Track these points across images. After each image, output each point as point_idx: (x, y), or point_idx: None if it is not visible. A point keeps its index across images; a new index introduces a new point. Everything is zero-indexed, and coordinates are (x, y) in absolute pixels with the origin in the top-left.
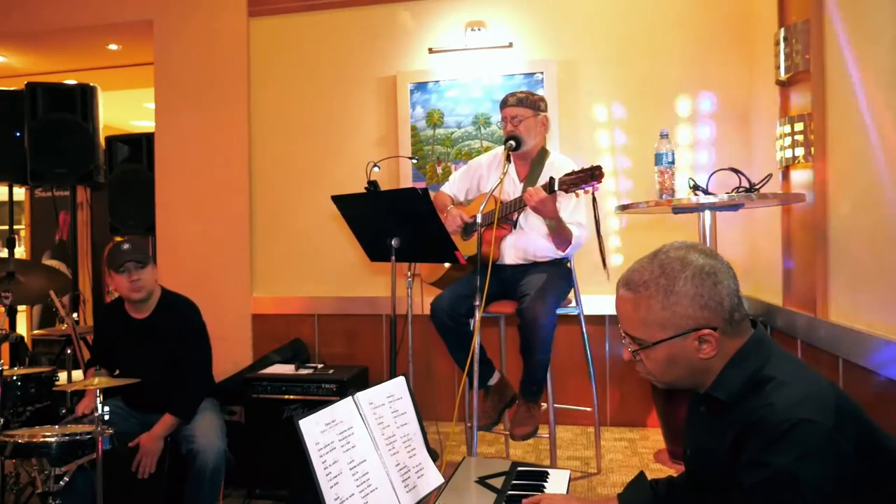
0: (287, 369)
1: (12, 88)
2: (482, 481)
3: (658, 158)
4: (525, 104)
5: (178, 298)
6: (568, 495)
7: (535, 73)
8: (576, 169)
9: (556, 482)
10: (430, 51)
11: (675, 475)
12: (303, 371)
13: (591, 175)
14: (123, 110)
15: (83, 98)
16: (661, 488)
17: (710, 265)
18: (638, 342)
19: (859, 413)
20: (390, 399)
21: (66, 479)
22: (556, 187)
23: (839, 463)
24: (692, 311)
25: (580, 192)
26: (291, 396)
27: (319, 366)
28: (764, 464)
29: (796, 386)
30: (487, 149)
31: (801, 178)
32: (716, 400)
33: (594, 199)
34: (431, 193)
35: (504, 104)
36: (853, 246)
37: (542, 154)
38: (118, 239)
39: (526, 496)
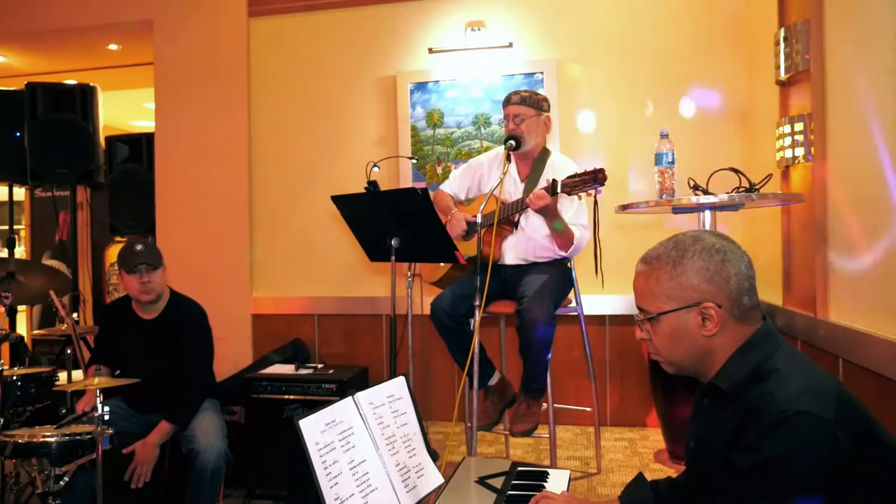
0: (287, 369)
1: (12, 88)
2: (482, 481)
3: (658, 158)
4: (528, 103)
5: (187, 301)
6: (568, 494)
7: (535, 73)
8: (577, 170)
9: (556, 482)
10: (430, 51)
11: (675, 476)
12: (303, 371)
13: (595, 178)
14: (123, 110)
15: (83, 98)
16: (662, 489)
17: (722, 245)
18: (645, 314)
19: (861, 409)
20: (390, 399)
21: (66, 479)
22: (559, 189)
23: (835, 456)
24: (697, 283)
25: (582, 194)
26: (291, 396)
27: (319, 366)
28: (758, 450)
29: (799, 379)
30: (487, 149)
31: (801, 178)
32: (719, 390)
33: (595, 202)
34: (431, 193)
35: (507, 102)
36: (853, 246)
37: (544, 154)
38: (118, 239)
39: (526, 496)
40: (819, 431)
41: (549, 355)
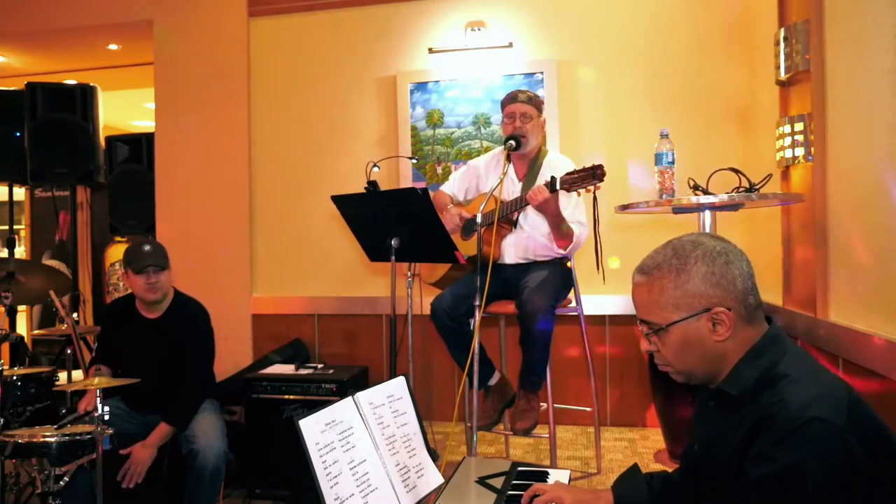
0: (287, 369)
1: (12, 88)
2: (482, 481)
3: (658, 158)
4: (533, 103)
5: (190, 302)
6: (560, 483)
7: (535, 73)
8: (575, 168)
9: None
10: (430, 51)
11: (669, 471)
12: (303, 371)
13: (593, 174)
14: (123, 110)
15: (83, 98)
16: (656, 483)
17: (722, 247)
18: (652, 326)
19: (871, 413)
20: (390, 399)
21: (66, 479)
22: (558, 186)
23: (848, 463)
24: (704, 289)
25: (581, 190)
26: (291, 396)
27: (319, 366)
28: (772, 458)
29: (810, 384)
30: (487, 149)
31: (801, 178)
32: (726, 395)
33: (595, 199)
34: (431, 193)
35: (513, 100)
36: (853, 246)
37: (540, 153)
38: (118, 239)
39: None
40: (832, 438)
41: (549, 347)
